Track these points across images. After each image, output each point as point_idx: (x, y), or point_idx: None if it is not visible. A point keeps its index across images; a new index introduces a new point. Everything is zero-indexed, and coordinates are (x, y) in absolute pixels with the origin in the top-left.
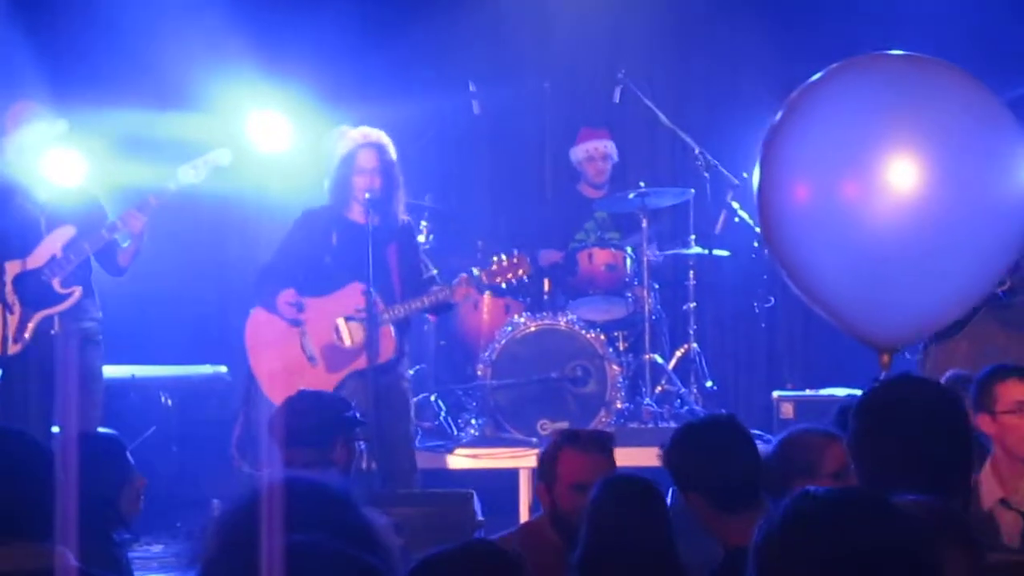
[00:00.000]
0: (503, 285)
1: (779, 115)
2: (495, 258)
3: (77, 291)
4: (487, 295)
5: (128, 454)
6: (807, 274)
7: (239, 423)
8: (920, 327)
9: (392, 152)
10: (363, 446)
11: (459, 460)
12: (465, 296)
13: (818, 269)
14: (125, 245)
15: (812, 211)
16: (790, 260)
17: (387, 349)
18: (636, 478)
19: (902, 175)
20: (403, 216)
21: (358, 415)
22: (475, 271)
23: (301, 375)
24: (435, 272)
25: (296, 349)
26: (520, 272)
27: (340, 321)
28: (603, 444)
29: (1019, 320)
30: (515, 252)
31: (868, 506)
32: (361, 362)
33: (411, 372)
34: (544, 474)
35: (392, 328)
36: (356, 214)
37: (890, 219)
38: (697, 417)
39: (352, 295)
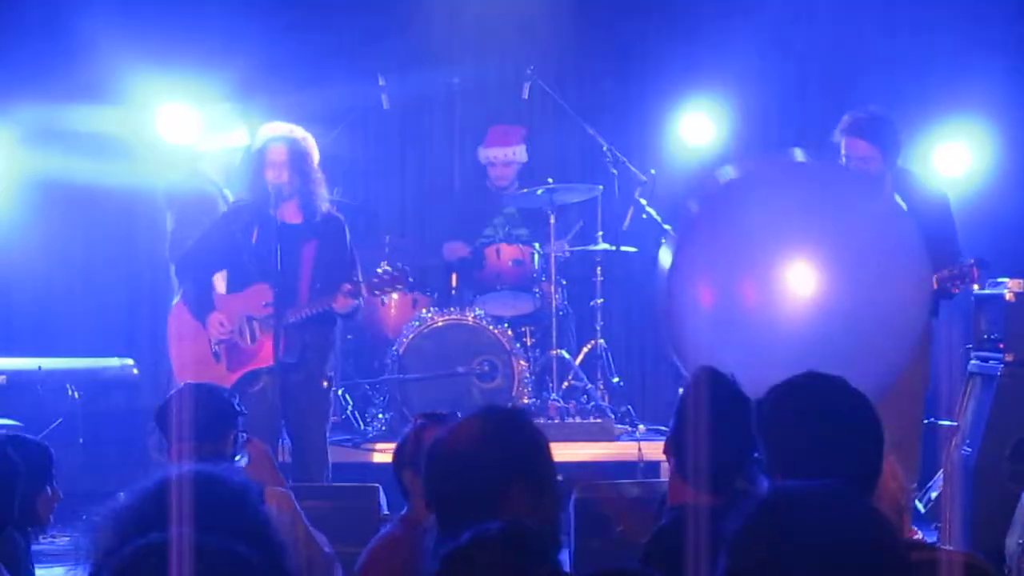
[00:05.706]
0: (383, 299)
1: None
2: (379, 269)
3: None
4: None
5: (53, 466)
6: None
7: None
8: None
9: (306, 146)
10: (244, 437)
11: (366, 454)
12: (344, 307)
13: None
14: None
15: (717, 315)
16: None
17: (267, 353)
18: None
19: (801, 279)
20: (325, 208)
21: (240, 407)
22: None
23: (207, 369)
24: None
25: (205, 344)
26: (398, 286)
27: (244, 320)
28: None
29: None
30: (398, 264)
31: (838, 501)
32: (258, 362)
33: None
34: (411, 459)
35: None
36: (284, 212)
37: (792, 324)
38: None
39: (258, 294)
